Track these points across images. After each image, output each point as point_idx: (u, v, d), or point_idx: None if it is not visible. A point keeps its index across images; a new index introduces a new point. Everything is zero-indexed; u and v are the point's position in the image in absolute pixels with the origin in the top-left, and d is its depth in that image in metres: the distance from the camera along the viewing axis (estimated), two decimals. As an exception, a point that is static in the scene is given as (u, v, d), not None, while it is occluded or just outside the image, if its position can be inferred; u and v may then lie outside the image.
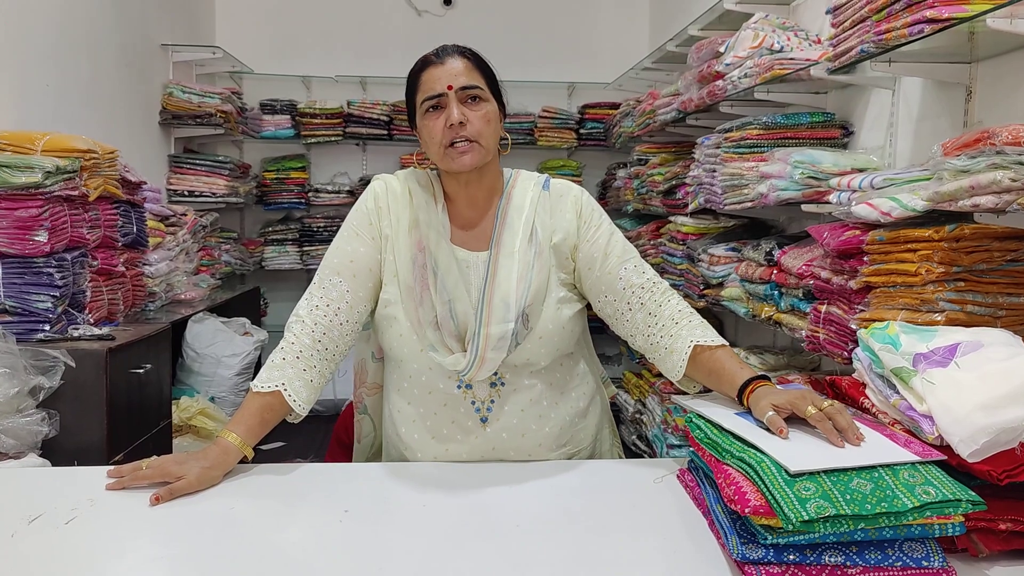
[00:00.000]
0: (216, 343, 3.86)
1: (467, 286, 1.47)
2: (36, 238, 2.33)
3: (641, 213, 4.33)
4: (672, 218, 3.61)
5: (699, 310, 3.71)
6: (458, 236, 1.53)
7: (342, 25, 5.24)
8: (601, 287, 1.53)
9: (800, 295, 2.42)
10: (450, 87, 1.45)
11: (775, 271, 2.58)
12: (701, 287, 3.21)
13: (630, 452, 4.08)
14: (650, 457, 3.44)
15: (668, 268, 3.68)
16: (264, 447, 4.16)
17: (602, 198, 5.25)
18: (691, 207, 3.31)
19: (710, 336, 1.45)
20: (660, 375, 3.98)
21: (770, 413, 1.18)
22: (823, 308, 2.20)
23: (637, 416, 4.08)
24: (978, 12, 1.70)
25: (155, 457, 1.34)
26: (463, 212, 1.55)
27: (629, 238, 4.42)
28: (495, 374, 1.46)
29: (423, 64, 1.50)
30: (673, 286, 3.55)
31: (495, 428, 1.47)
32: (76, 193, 2.47)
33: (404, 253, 1.49)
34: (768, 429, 1.15)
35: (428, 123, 1.47)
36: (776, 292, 2.57)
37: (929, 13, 1.77)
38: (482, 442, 1.47)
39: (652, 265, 3.98)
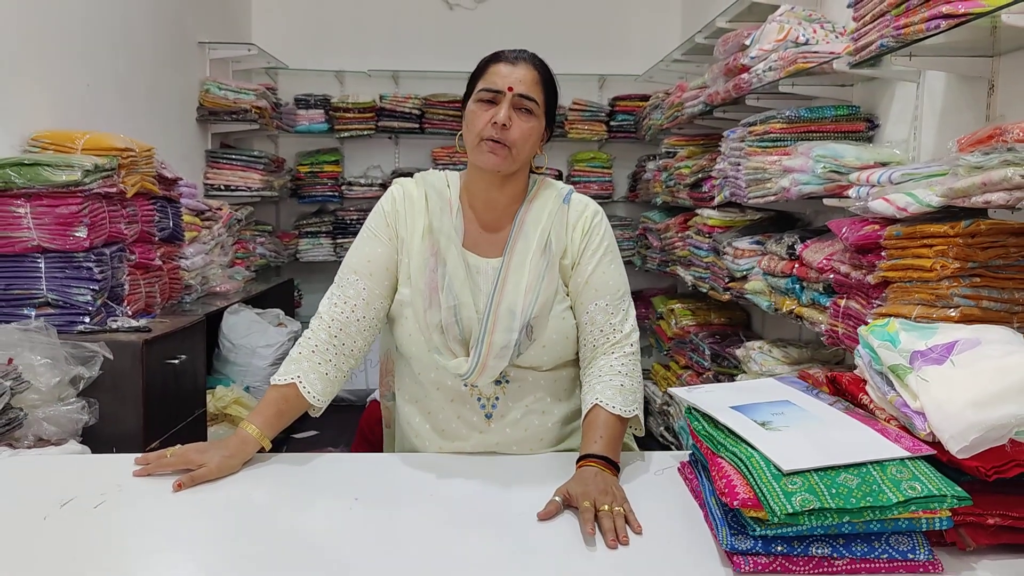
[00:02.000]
0: (251, 334, 3.96)
1: (475, 292, 1.51)
2: (76, 234, 2.43)
3: (670, 206, 4.34)
4: (699, 211, 3.62)
5: (724, 303, 3.70)
6: (473, 241, 1.56)
7: (375, 20, 5.31)
8: (576, 310, 1.56)
9: (820, 289, 2.43)
10: (510, 89, 1.48)
11: (797, 265, 2.58)
12: (726, 280, 3.22)
13: (657, 444, 4.10)
14: (677, 449, 3.47)
15: (695, 261, 3.69)
16: (297, 435, 4.28)
17: (632, 190, 5.26)
18: (717, 200, 3.31)
19: (616, 402, 1.45)
20: (687, 367, 4.00)
21: (556, 498, 1.24)
22: (842, 302, 2.21)
23: (665, 408, 4.10)
24: (993, 8, 1.69)
25: (179, 446, 1.41)
26: (482, 216, 1.58)
27: (657, 230, 4.44)
28: (500, 372, 1.50)
29: (497, 57, 1.53)
30: (699, 279, 3.60)
31: (499, 424, 1.53)
32: (114, 190, 2.57)
33: (417, 257, 1.53)
34: (763, 424, 1.18)
35: (476, 110, 1.50)
36: (797, 286, 2.57)
37: (945, 8, 1.77)
38: (486, 438, 1.53)
39: (679, 258, 4.00)
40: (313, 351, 1.52)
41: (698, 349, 3.83)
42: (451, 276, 1.50)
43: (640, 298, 5.26)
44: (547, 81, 1.54)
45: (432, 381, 1.54)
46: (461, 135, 1.58)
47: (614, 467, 1.36)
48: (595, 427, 1.42)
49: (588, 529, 1.16)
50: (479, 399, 1.53)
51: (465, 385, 1.52)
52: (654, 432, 4.32)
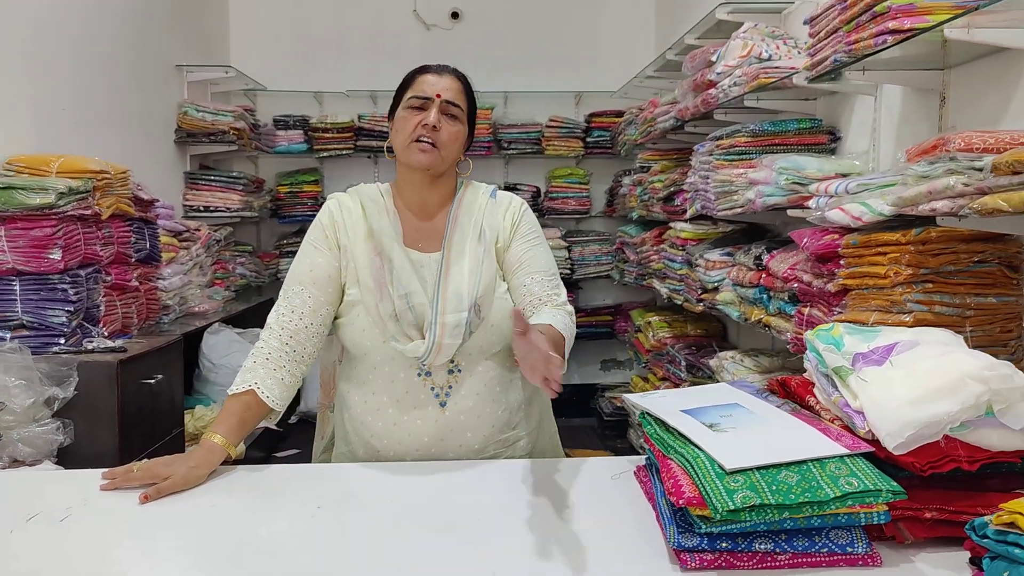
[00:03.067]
0: (231, 353, 3.98)
1: (422, 283, 1.61)
2: (51, 256, 2.45)
3: (645, 220, 4.39)
4: (672, 224, 3.67)
5: (701, 315, 3.73)
6: (412, 239, 1.67)
7: (352, 41, 5.38)
8: (510, 287, 1.68)
9: (786, 298, 2.48)
10: (439, 95, 1.63)
11: (763, 275, 2.63)
12: (699, 292, 3.27)
13: (637, 454, 4.12)
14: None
15: (669, 273, 3.74)
16: (279, 454, 4.29)
17: (609, 205, 5.32)
18: (689, 213, 3.37)
19: (562, 324, 1.56)
20: (665, 379, 4.04)
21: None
22: (806, 311, 2.26)
23: (643, 420, 4.13)
24: (936, 23, 1.75)
25: (146, 460, 1.44)
26: (416, 216, 1.70)
27: (634, 244, 4.48)
28: (452, 361, 1.60)
29: (423, 69, 1.68)
30: (673, 291, 3.64)
31: (453, 411, 1.60)
32: (89, 212, 2.60)
33: (362, 259, 1.63)
34: (710, 426, 1.22)
35: (406, 115, 1.63)
36: (765, 296, 2.62)
37: (892, 24, 1.84)
38: (441, 425, 1.59)
39: (655, 271, 4.04)
40: (267, 358, 1.59)
41: (675, 361, 3.87)
42: (398, 270, 1.60)
43: (619, 312, 5.32)
44: (469, 92, 1.70)
45: (387, 375, 1.61)
46: (388, 144, 1.70)
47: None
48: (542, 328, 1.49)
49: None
50: (432, 388, 1.60)
51: (419, 375, 1.59)
52: (634, 444, 4.35)
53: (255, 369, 1.58)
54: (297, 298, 1.62)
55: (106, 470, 1.44)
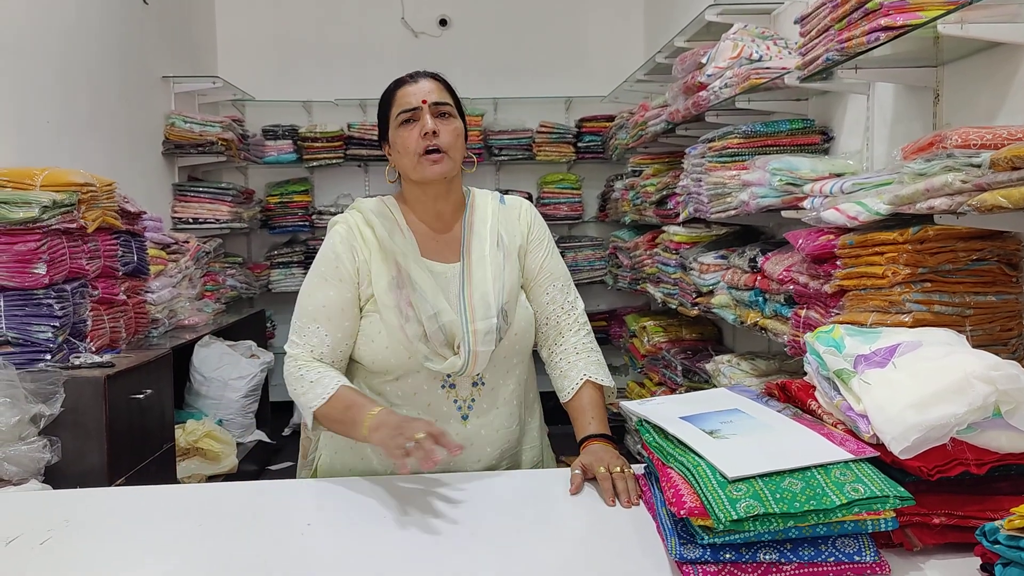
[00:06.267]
0: (223, 366, 3.93)
1: (447, 295, 1.57)
2: (35, 270, 2.41)
3: (638, 224, 4.37)
4: (665, 228, 3.65)
5: (696, 319, 3.71)
6: (429, 251, 1.62)
7: (341, 49, 5.35)
8: (531, 296, 1.69)
9: (782, 300, 2.45)
10: (424, 101, 1.58)
11: (759, 277, 2.61)
12: (693, 295, 3.24)
13: (633, 461, 4.09)
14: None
15: (663, 277, 3.72)
16: (272, 467, 4.24)
17: (602, 210, 5.30)
18: (682, 217, 3.34)
19: (600, 375, 1.64)
20: (661, 383, 4.01)
21: (576, 471, 1.41)
22: (803, 313, 2.23)
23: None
24: (928, 19, 1.73)
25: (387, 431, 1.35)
26: (431, 228, 1.65)
27: (626, 249, 4.46)
28: (477, 374, 1.57)
29: (397, 84, 1.63)
30: (668, 295, 3.62)
31: (475, 425, 1.58)
32: (74, 226, 2.56)
33: (380, 280, 1.56)
34: (711, 433, 1.19)
35: (403, 134, 1.58)
36: (760, 298, 2.60)
37: (884, 21, 1.81)
38: (462, 438, 1.54)
39: (649, 275, 4.02)
40: (318, 369, 1.55)
41: (670, 365, 3.84)
42: (421, 288, 1.55)
43: (613, 317, 5.29)
44: (447, 85, 1.65)
45: (409, 387, 1.57)
46: (390, 169, 1.67)
47: (612, 440, 1.53)
48: (587, 408, 1.59)
49: (608, 499, 1.32)
50: (456, 401, 1.58)
51: (442, 387, 1.57)
52: (631, 450, 4.31)
53: (320, 380, 1.52)
54: (314, 337, 1.57)
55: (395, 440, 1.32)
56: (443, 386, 1.57)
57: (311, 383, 1.52)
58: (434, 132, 1.55)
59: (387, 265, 1.57)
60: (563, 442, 1.83)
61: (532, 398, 1.73)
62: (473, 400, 1.58)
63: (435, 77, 1.64)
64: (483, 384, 1.59)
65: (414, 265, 1.57)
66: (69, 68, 3.35)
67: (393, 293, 1.54)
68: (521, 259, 1.67)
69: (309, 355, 1.57)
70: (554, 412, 1.76)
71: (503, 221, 1.67)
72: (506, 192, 1.81)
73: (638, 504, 1.29)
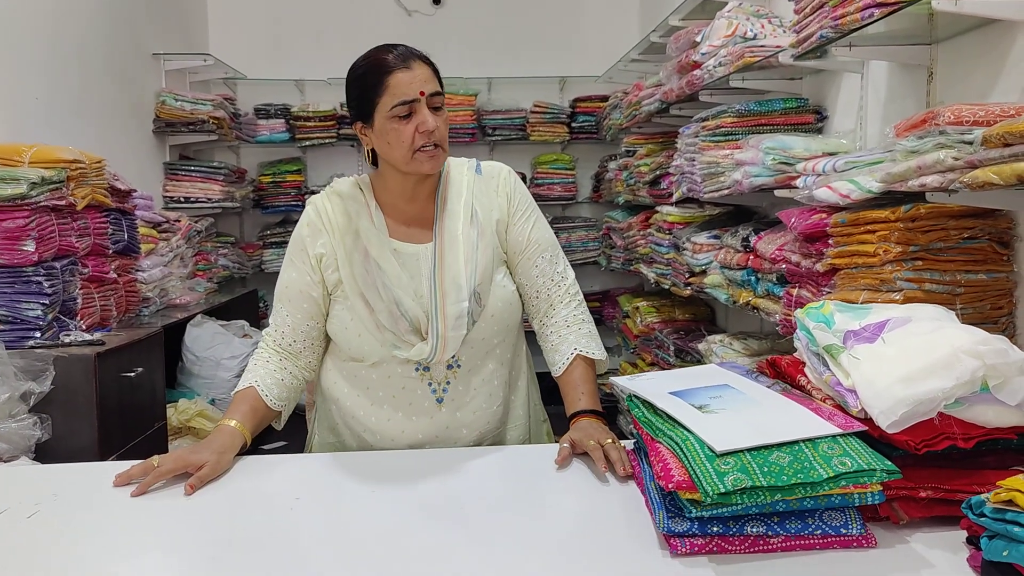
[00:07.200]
0: (215, 346, 3.92)
1: (417, 277, 1.53)
2: (24, 248, 2.39)
3: (632, 204, 4.36)
4: (659, 208, 3.64)
5: (688, 299, 3.71)
6: (401, 232, 1.58)
7: (333, 28, 5.30)
8: (519, 269, 1.65)
9: (774, 279, 2.45)
10: (422, 93, 1.47)
11: (751, 257, 2.60)
12: (686, 275, 3.24)
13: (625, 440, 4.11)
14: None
15: (656, 258, 3.71)
16: (265, 447, 4.24)
17: (596, 191, 5.28)
18: (675, 196, 3.33)
19: (592, 348, 1.62)
20: (654, 364, 4.02)
21: (564, 444, 1.41)
22: (794, 291, 2.23)
23: (633, 406, 4.11)
24: (923, -7, 1.72)
25: (160, 455, 1.36)
26: (406, 208, 1.59)
27: (620, 229, 4.46)
28: (452, 356, 1.53)
29: (388, 67, 1.47)
30: (661, 276, 3.61)
31: (450, 408, 1.56)
32: (63, 203, 2.54)
33: (347, 266, 1.54)
34: (700, 408, 1.19)
35: (397, 127, 1.47)
36: (753, 277, 2.60)
37: (878, -3, 1.80)
38: (437, 422, 1.55)
39: (642, 256, 4.02)
40: (267, 362, 1.58)
41: (663, 346, 3.85)
42: (386, 273, 1.52)
43: (607, 297, 5.29)
44: (436, 69, 1.54)
45: (382, 371, 1.56)
46: (371, 155, 1.57)
47: (602, 416, 1.52)
48: (578, 383, 1.57)
49: (602, 465, 1.32)
50: (430, 383, 1.55)
51: (416, 370, 1.54)
52: (623, 430, 4.32)
53: (255, 370, 1.57)
54: (278, 316, 1.61)
55: (119, 472, 1.33)
56: (417, 369, 1.54)
57: (247, 370, 1.59)
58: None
59: (355, 248, 1.54)
60: (557, 421, 1.82)
61: (518, 377, 1.69)
62: (448, 383, 1.55)
63: (426, 61, 1.52)
64: (459, 367, 1.56)
65: (383, 249, 1.53)
66: (58, 44, 3.32)
67: (360, 278, 1.52)
68: (501, 234, 1.62)
69: (275, 334, 1.60)
70: (551, 392, 1.71)
71: (479, 195, 1.61)
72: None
73: (631, 473, 1.29)
